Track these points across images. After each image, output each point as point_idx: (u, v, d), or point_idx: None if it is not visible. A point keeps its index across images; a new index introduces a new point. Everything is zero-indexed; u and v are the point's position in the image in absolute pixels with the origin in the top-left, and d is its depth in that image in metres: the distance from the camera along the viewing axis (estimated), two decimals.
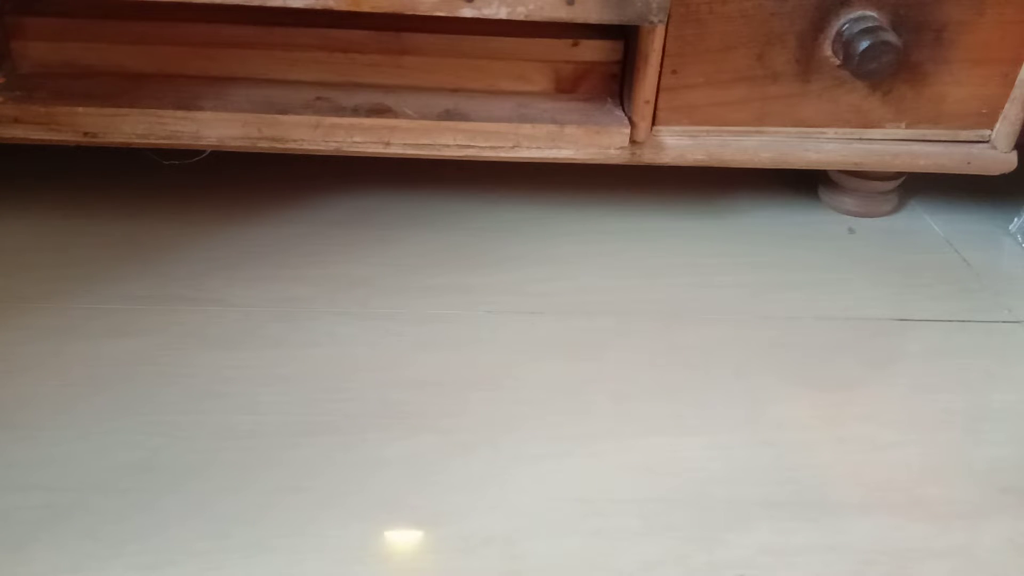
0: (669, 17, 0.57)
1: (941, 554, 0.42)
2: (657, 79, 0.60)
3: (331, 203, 0.70)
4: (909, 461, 0.48)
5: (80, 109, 0.57)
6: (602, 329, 0.57)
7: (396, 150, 0.60)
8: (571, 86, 0.64)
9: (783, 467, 0.47)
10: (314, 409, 0.49)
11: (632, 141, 0.61)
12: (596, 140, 0.60)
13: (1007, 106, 0.63)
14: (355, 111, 0.59)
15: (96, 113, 0.57)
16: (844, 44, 0.58)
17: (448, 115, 0.60)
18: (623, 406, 0.51)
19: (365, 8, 0.54)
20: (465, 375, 0.52)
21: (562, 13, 0.55)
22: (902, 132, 0.63)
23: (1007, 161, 0.65)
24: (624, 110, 0.62)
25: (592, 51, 0.62)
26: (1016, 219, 0.71)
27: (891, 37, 0.57)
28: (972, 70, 0.61)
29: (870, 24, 0.57)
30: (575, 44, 0.62)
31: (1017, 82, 0.62)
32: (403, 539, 0.42)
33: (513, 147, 0.60)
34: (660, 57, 0.59)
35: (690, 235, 0.69)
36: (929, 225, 0.73)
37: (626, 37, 0.61)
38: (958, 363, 0.56)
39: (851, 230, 0.71)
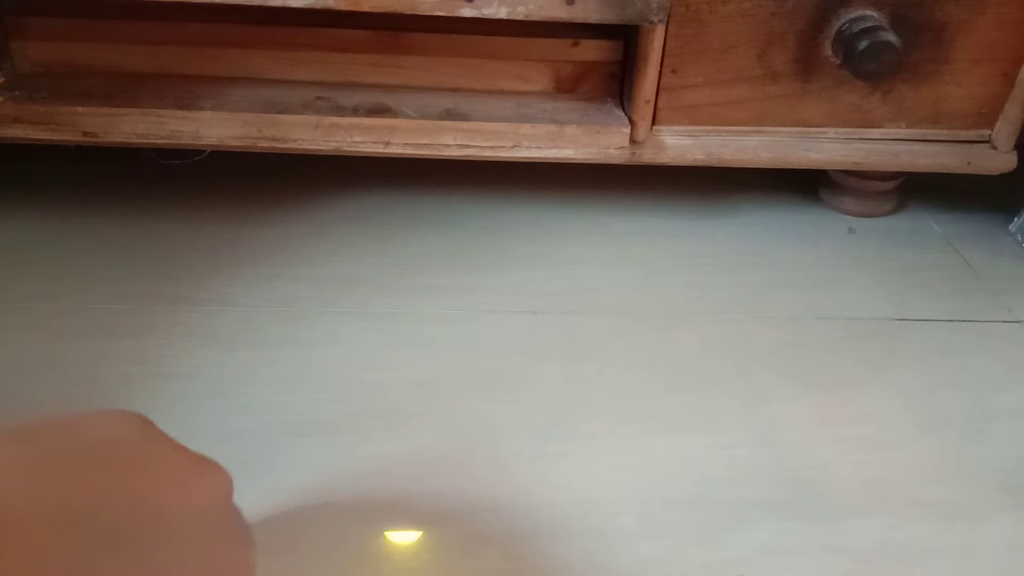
0: (669, 17, 0.57)
1: (941, 554, 0.42)
2: (657, 79, 0.60)
3: (331, 203, 0.70)
4: (909, 461, 0.48)
5: (80, 109, 0.57)
6: (602, 329, 0.57)
7: (396, 150, 0.60)
8: (571, 86, 0.64)
9: (783, 467, 0.47)
10: (314, 409, 0.49)
11: (632, 141, 0.61)
12: (596, 140, 0.60)
13: (1007, 106, 0.63)
14: (355, 111, 0.59)
15: (96, 113, 0.57)
16: (844, 44, 0.58)
17: (448, 115, 0.60)
18: (623, 406, 0.51)
19: (365, 8, 0.54)
20: (465, 375, 0.52)
21: (562, 13, 0.55)
22: (902, 132, 0.63)
23: (1007, 161, 0.65)
24: (624, 110, 0.62)
25: (592, 51, 0.63)
26: (1016, 219, 0.71)
27: (891, 37, 0.57)
28: (972, 70, 0.61)
29: (870, 24, 0.57)
30: (575, 44, 0.62)
31: (1017, 82, 0.62)
32: (403, 539, 0.42)
33: (513, 147, 0.60)
34: (660, 57, 0.59)
35: (690, 235, 0.69)
36: (929, 225, 0.73)
37: (626, 37, 0.61)
38: (958, 363, 0.56)
39: (851, 230, 0.71)
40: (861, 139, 0.64)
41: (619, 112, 0.62)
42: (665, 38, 0.58)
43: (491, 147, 0.60)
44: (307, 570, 0.40)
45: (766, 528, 0.43)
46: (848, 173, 0.70)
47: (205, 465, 0.28)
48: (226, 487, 0.28)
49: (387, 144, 0.60)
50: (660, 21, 0.56)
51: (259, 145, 0.59)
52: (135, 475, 0.25)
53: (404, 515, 0.43)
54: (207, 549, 0.26)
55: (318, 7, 0.54)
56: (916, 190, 0.75)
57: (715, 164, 0.63)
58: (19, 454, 0.22)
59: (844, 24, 0.58)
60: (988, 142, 0.64)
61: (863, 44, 0.57)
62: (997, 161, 0.65)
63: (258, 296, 0.58)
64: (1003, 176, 0.66)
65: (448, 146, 0.60)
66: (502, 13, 0.54)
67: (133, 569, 0.22)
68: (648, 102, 0.60)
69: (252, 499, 0.43)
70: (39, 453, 0.23)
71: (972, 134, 0.64)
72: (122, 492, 0.24)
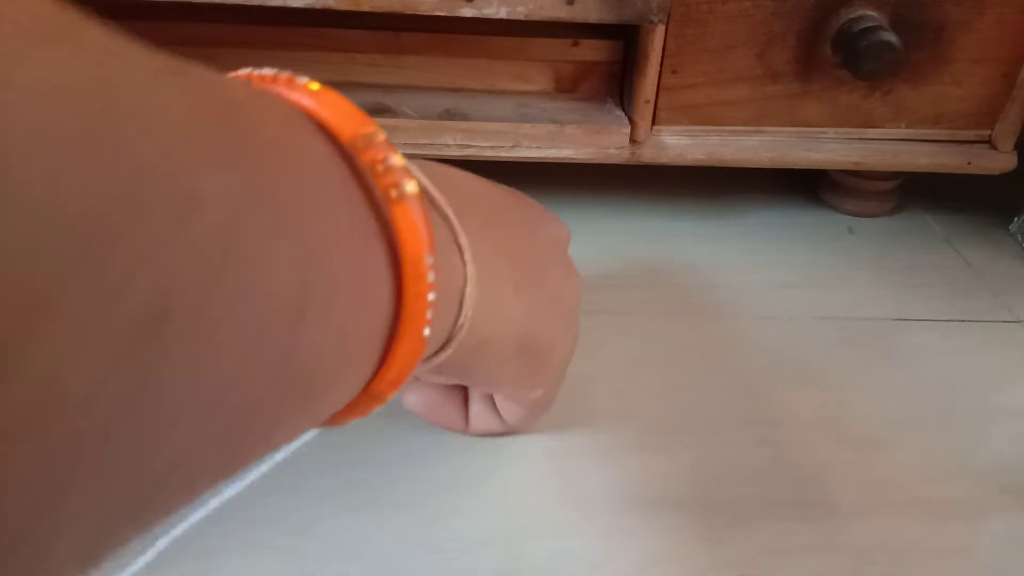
0: (669, 17, 0.57)
1: (941, 554, 0.42)
2: (657, 79, 0.60)
3: None
4: (909, 461, 0.48)
5: None
6: (602, 329, 0.57)
7: None
8: (571, 86, 0.64)
9: (783, 467, 0.47)
10: None
11: (632, 141, 0.61)
12: (596, 140, 0.60)
13: (1007, 106, 0.63)
14: None
15: None
16: (844, 44, 0.58)
17: (448, 115, 0.60)
18: (623, 406, 0.51)
19: (365, 8, 0.54)
20: None
21: (562, 13, 0.55)
22: (902, 132, 0.64)
23: (1007, 161, 0.65)
24: (624, 110, 0.62)
25: (592, 51, 0.63)
26: (1016, 219, 0.71)
27: (891, 37, 0.57)
28: (972, 70, 0.61)
29: (870, 24, 0.57)
30: (575, 44, 0.62)
31: (1017, 82, 0.62)
32: (403, 539, 0.42)
33: (513, 147, 0.60)
34: (660, 57, 0.59)
35: (690, 235, 0.69)
36: (929, 225, 0.73)
37: (626, 37, 0.62)
38: (958, 363, 0.56)
39: (851, 230, 0.71)
40: (861, 139, 0.64)
41: (619, 112, 0.62)
42: (665, 38, 0.58)
43: (491, 147, 0.60)
44: (308, 570, 0.40)
45: (766, 528, 0.43)
46: (848, 173, 0.70)
47: (556, 216, 0.43)
48: (568, 233, 0.44)
49: None
50: (660, 21, 0.56)
51: None
52: (523, 207, 0.40)
53: (404, 514, 0.43)
54: (565, 266, 0.42)
55: (318, 7, 0.54)
56: (916, 190, 0.75)
57: (715, 164, 0.63)
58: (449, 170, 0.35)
59: (844, 24, 0.58)
60: (988, 142, 0.64)
61: (863, 44, 0.57)
62: (997, 161, 0.65)
63: None
64: (1003, 176, 0.66)
65: (448, 146, 0.60)
66: (502, 13, 0.54)
67: (528, 250, 0.37)
68: (648, 102, 0.60)
69: (252, 498, 0.43)
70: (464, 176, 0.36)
71: (972, 134, 0.64)
72: (522, 215, 0.39)
